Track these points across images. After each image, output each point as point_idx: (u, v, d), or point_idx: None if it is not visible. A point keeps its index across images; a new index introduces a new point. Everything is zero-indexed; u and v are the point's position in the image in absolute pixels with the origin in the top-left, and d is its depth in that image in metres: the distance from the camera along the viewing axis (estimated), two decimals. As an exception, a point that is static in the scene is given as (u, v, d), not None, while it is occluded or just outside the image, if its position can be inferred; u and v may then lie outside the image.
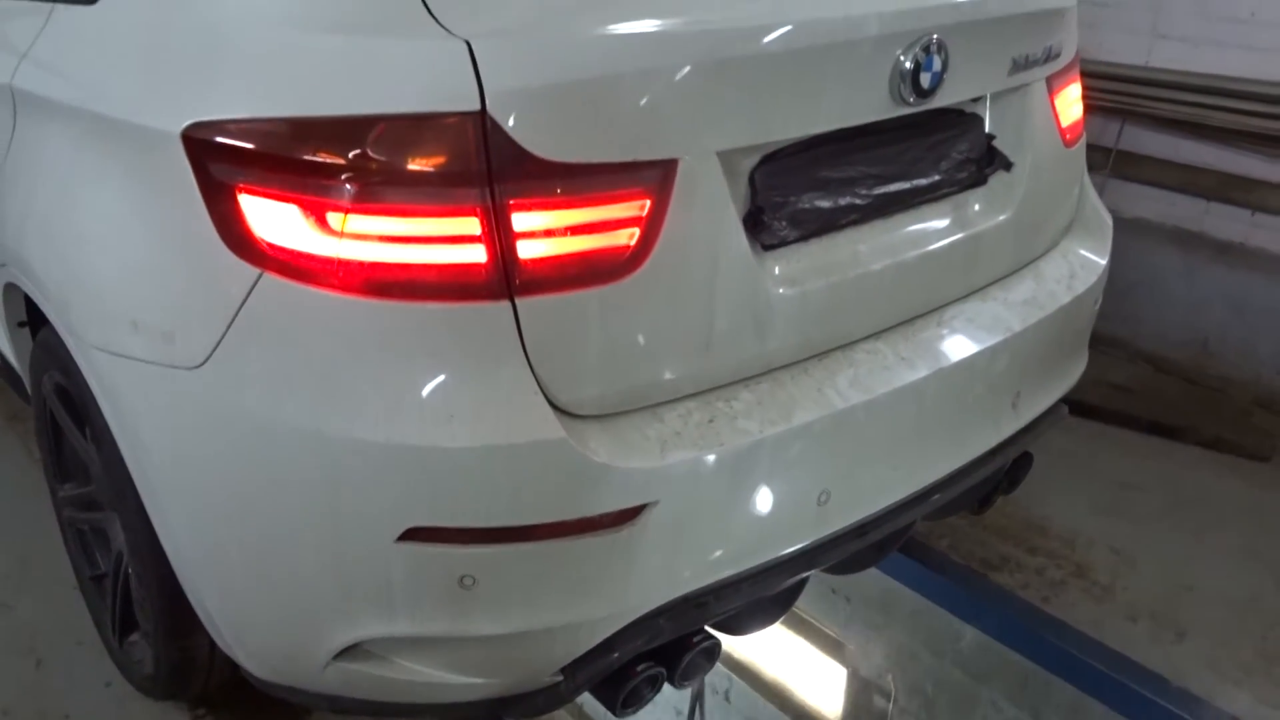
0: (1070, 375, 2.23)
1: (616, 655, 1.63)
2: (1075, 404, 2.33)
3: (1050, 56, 2.01)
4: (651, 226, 1.47)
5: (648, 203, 1.47)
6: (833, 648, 2.43)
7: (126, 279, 1.58)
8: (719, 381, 1.62)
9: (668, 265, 1.50)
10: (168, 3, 1.60)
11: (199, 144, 1.44)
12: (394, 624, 1.52)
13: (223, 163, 1.43)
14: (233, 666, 1.83)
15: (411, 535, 1.44)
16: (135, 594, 1.97)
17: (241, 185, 1.42)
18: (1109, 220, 2.32)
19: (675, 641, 1.73)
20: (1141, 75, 3.69)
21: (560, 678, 1.63)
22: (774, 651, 2.41)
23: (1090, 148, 2.71)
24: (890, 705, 2.31)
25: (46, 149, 1.79)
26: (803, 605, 2.33)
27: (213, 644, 1.82)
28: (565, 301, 1.44)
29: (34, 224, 1.81)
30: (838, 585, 2.56)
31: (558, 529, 1.47)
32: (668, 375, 1.56)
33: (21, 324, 2.19)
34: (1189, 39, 3.58)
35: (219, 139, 1.43)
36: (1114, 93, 3.70)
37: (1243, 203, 3.60)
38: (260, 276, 1.42)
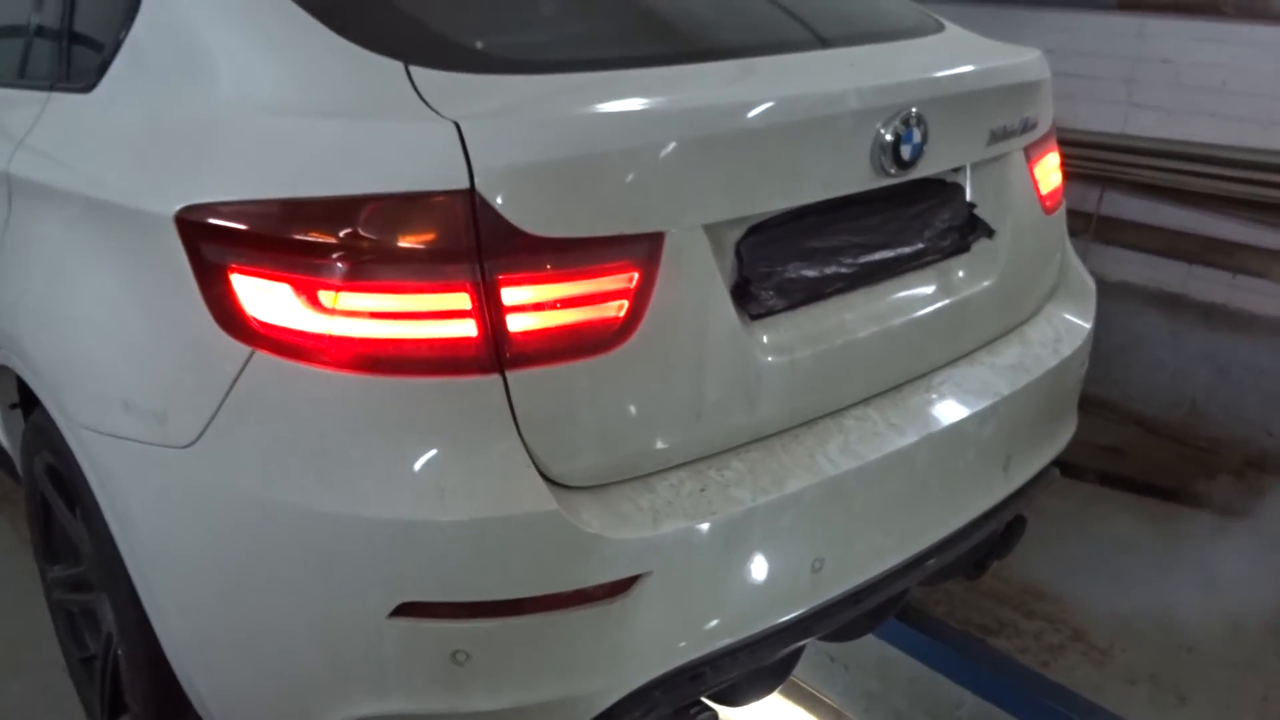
0: (1060, 438, 2.23)
1: (612, 729, 1.61)
2: (1067, 466, 2.34)
3: (1027, 127, 2.05)
4: (640, 299, 1.49)
5: (635, 275, 1.49)
6: (832, 717, 2.40)
7: (119, 360, 1.60)
8: (710, 450, 1.63)
9: (657, 336, 1.51)
10: (162, 90, 1.64)
11: (192, 226, 1.46)
12: (387, 701, 1.50)
13: (215, 244, 1.45)
14: (224, 749, 1.80)
15: (404, 611, 1.43)
16: (124, 676, 1.95)
17: (234, 265, 1.44)
18: (1092, 284, 2.35)
19: (672, 714, 1.71)
20: (1119, 143, 3.76)
21: (555, 754, 1.61)
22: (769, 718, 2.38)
23: (1072, 213, 2.75)
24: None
25: (41, 233, 1.81)
26: (800, 674, 2.31)
27: (204, 726, 1.79)
28: (556, 374, 1.45)
29: (27, 306, 1.83)
30: (835, 653, 2.54)
31: (551, 602, 1.46)
32: (659, 445, 1.57)
33: (13, 405, 2.20)
34: (1163, 108, 3.67)
35: (212, 221, 1.45)
36: (1094, 160, 3.78)
37: (1224, 265, 3.65)
38: (252, 355, 1.43)
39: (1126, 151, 3.72)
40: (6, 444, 2.34)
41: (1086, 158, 3.76)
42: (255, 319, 1.43)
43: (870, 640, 2.47)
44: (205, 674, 1.65)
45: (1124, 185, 3.77)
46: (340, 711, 1.53)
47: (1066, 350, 2.12)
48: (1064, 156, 2.27)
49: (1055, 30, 3.88)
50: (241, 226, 1.44)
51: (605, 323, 1.48)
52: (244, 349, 1.43)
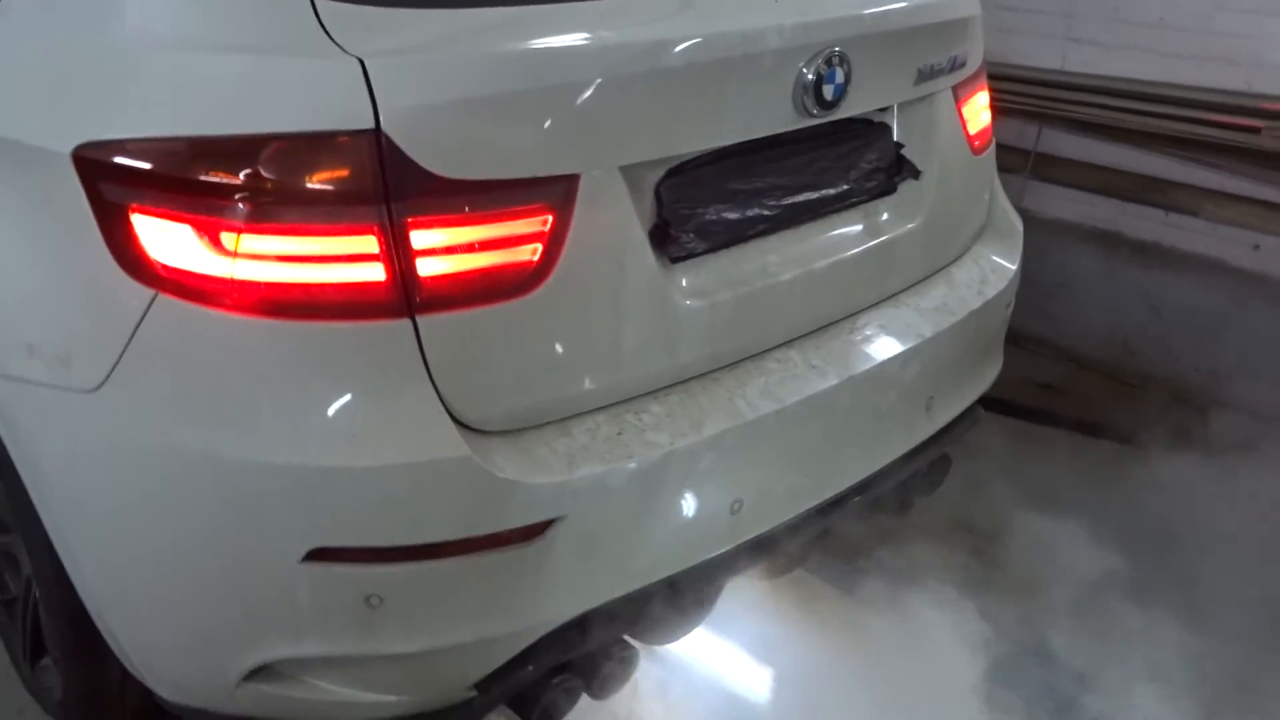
0: (984, 378, 2.26)
1: (530, 669, 1.63)
2: (1000, 403, 2.35)
3: (956, 66, 2.04)
4: (554, 242, 1.48)
5: (550, 218, 1.47)
6: (759, 649, 2.44)
7: (20, 302, 1.55)
8: (628, 394, 1.63)
9: (572, 280, 1.50)
10: (60, 23, 1.57)
11: (90, 164, 1.41)
12: (302, 645, 1.51)
13: (115, 183, 1.41)
14: (146, 692, 1.79)
15: (316, 556, 1.43)
16: (43, 621, 1.93)
17: (134, 206, 1.40)
18: (1020, 225, 2.36)
19: (592, 653, 1.74)
20: (1057, 79, 3.75)
21: (474, 693, 1.63)
22: (699, 656, 2.42)
23: (1009, 150, 2.74)
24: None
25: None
26: (724, 608, 2.34)
27: (125, 669, 1.78)
28: (468, 318, 1.44)
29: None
30: (760, 589, 2.58)
31: (464, 546, 1.46)
32: (575, 389, 1.57)
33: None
34: (1101, 43, 3.65)
35: (111, 159, 1.40)
36: (1031, 96, 3.76)
37: (1158, 204, 3.67)
38: (155, 298, 1.40)
39: (1064, 88, 3.71)
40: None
41: (1025, 94, 3.75)
42: (158, 261, 1.40)
43: (797, 575, 2.51)
44: (122, 621, 1.64)
45: (1061, 122, 3.77)
46: (255, 654, 1.53)
47: (991, 291, 2.14)
48: (1003, 93, 2.27)
49: (996, -37, 3.84)
50: (141, 165, 1.39)
51: (519, 267, 1.46)
52: (147, 292, 1.40)
